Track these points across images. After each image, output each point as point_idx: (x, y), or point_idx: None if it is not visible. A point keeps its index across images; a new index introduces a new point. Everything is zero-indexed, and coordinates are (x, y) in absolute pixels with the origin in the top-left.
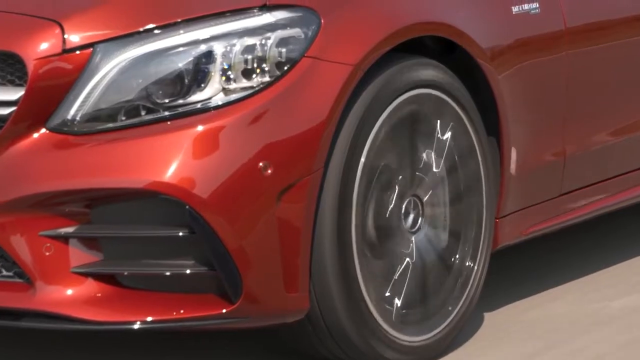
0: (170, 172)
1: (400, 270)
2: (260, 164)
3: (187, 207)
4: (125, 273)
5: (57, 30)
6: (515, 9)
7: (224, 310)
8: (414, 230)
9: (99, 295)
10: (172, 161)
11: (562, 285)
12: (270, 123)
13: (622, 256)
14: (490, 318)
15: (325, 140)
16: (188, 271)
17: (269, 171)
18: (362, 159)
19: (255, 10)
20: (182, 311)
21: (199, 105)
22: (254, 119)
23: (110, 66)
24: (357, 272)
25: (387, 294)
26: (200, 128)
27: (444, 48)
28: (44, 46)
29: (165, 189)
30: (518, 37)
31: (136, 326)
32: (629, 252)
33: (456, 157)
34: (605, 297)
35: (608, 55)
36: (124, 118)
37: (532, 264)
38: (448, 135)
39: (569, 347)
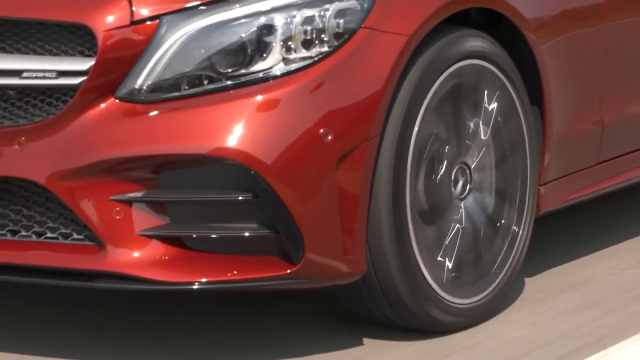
0: (236, 138)
1: (451, 235)
2: (321, 130)
3: (252, 172)
4: (194, 236)
5: (125, 3)
6: None
7: (288, 271)
8: (462, 196)
9: (166, 257)
10: (236, 128)
11: (602, 250)
12: (329, 91)
13: None
14: (531, 283)
15: (381, 108)
16: (251, 234)
17: (329, 137)
18: (416, 128)
19: None
20: (247, 272)
21: (260, 75)
22: (314, 87)
23: (176, 37)
24: (411, 236)
25: (439, 258)
26: (262, 96)
27: (487, 20)
28: (113, 18)
29: (231, 154)
30: (560, 8)
31: (204, 286)
32: None
33: (502, 126)
34: None
35: None
36: (187, 87)
37: (572, 230)
38: (495, 104)
39: (612, 313)
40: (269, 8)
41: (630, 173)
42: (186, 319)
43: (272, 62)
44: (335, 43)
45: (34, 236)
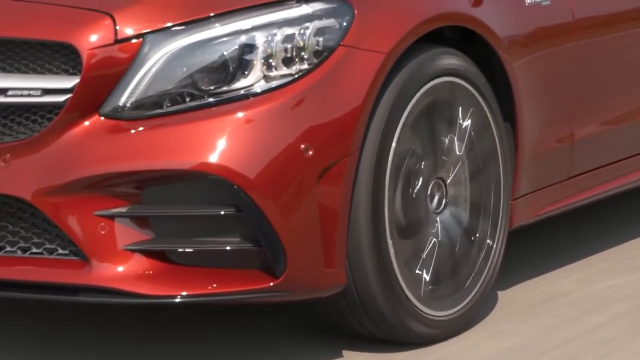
0: (218, 154)
1: (428, 249)
2: (302, 146)
3: (234, 186)
4: (180, 250)
5: (109, 22)
6: (528, 1)
7: (270, 284)
8: (438, 211)
9: (150, 271)
10: (219, 144)
11: (574, 263)
12: (309, 108)
13: (635, 235)
14: (505, 296)
15: (360, 124)
16: (233, 248)
17: (310, 153)
18: (394, 144)
19: (293, 2)
20: (229, 285)
21: (242, 92)
22: (294, 104)
23: (159, 56)
24: (389, 250)
25: (417, 271)
26: (244, 113)
27: (461, 38)
28: (97, 37)
29: (214, 169)
30: (531, 28)
31: (186, 299)
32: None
33: (475, 142)
34: (616, 275)
35: (613, 45)
36: (169, 104)
37: (546, 242)
38: (469, 121)
39: (580, 325)
40: (250, 27)
41: (600, 187)
42: (164, 335)
43: (254, 80)
44: (315, 60)
45: (19, 251)
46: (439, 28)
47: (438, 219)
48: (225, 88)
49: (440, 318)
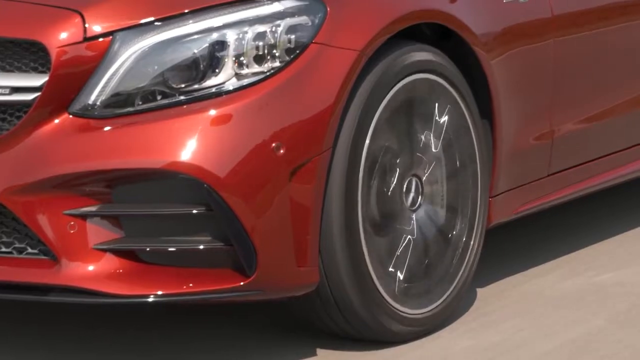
0: (189, 152)
1: (402, 246)
2: (274, 144)
3: (205, 185)
4: (148, 249)
5: (78, 20)
6: None
7: (241, 283)
8: (414, 208)
9: (121, 270)
10: (190, 142)
11: (552, 261)
12: (281, 106)
13: (612, 233)
14: (482, 293)
15: (333, 122)
16: (205, 247)
17: (282, 151)
18: (367, 141)
19: (264, 0)
20: (201, 285)
21: (213, 90)
22: (266, 102)
23: (129, 53)
24: (363, 248)
25: (391, 269)
26: (215, 111)
27: (437, 35)
28: (66, 35)
29: (184, 168)
30: (508, 24)
31: (159, 299)
32: (618, 229)
33: (452, 139)
34: (595, 272)
35: (592, 42)
36: (140, 102)
37: (521, 241)
38: (445, 118)
39: (558, 321)
40: (221, 24)
41: (580, 185)
42: (129, 333)
43: (225, 78)
44: (287, 58)
45: None
46: (416, 25)
47: (413, 216)
48: (196, 86)
49: (416, 316)
